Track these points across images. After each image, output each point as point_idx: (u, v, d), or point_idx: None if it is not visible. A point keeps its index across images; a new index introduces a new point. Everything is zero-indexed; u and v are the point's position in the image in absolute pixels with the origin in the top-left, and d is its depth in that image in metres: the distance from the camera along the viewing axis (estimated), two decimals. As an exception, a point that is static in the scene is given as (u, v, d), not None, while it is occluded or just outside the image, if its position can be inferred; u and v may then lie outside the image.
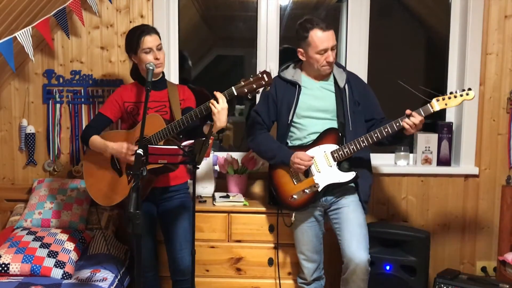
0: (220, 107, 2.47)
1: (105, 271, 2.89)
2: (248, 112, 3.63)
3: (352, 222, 2.68)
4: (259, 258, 3.09)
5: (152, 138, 2.59)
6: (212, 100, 2.48)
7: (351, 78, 2.83)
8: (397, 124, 2.59)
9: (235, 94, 2.49)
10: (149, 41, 2.66)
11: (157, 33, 2.73)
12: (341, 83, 2.77)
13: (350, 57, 3.46)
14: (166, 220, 2.79)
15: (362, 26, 3.45)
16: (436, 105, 2.56)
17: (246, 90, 2.48)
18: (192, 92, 2.89)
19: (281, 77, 2.85)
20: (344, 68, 2.86)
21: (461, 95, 2.54)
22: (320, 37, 2.65)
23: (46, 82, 3.42)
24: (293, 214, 2.85)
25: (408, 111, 2.57)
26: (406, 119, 2.57)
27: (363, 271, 2.64)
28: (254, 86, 2.48)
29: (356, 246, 2.63)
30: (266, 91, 2.69)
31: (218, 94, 2.49)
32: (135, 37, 2.68)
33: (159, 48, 2.70)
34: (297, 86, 2.79)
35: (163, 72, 2.83)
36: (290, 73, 2.84)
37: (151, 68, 2.60)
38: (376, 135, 2.62)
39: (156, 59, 2.67)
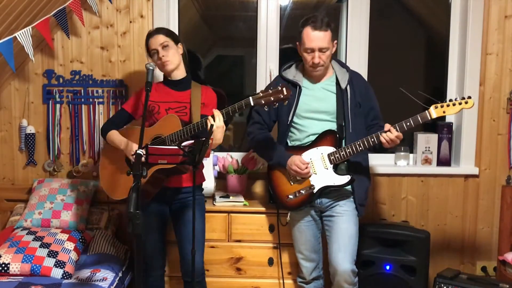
0: (216, 125, 2.47)
1: (105, 270, 2.89)
2: (249, 113, 3.62)
3: (343, 233, 2.69)
4: (259, 258, 3.09)
5: (167, 138, 2.60)
6: (209, 117, 2.49)
7: (354, 78, 2.79)
8: (377, 136, 2.57)
9: (252, 104, 2.48)
10: (152, 43, 2.75)
11: (160, 32, 2.76)
12: (343, 84, 2.74)
13: (350, 57, 3.45)
14: (179, 221, 2.79)
15: (362, 26, 3.45)
16: (433, 112, 2.52)
17: (263, 102, 2.45)
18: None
19: (283, 77, 2.83)
20: (347, 68, 2.82)
21: (460, 103, 2.50)
22: (308, 35, 2.62)
23: (46, 82, 3.42)
24: (289, 214, 2.86)
25: (387, 126, 2.56)
26: (383, 134, 2.55)
27: (348, 281, 2.67)
28: (272, 99, 2.44)
29: (341, 257, 2.66)
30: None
31: (215, 112, 2.50)
32: (146, 43, 2.80)
33: (165, 45, 2.72)
34: (298, 86, 2.78)
35: (187, 72, 2.83)
36: (292, 73, 2.83)
37: (151, 68, 2.60)
38: (373, 139, 2.59)
39: (161, 58, 2.70)
